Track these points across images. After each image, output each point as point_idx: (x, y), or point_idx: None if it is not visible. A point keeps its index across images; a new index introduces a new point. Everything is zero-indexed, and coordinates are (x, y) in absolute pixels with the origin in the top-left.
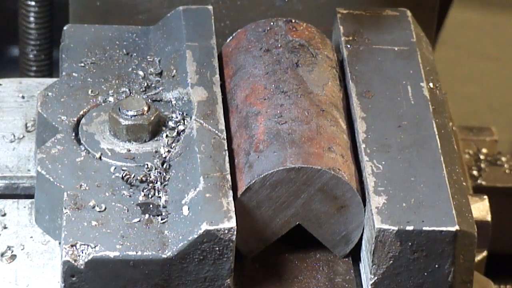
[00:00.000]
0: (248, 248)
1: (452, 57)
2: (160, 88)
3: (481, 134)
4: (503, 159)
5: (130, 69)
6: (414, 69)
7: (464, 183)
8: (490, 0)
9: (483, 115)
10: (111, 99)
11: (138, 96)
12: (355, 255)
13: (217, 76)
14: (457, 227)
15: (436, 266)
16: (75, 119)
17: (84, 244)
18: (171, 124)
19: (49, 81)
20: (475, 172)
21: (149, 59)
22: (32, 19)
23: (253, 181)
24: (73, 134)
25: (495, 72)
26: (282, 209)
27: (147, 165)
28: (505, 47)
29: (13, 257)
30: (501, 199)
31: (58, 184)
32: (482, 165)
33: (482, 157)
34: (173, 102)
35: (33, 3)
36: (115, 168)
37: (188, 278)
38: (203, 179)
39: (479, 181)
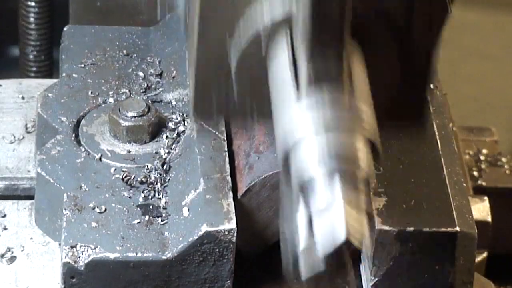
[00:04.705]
0: (248, 249)
1: (452, 57)
2: (160, 89)
3: (481, 135)
4: (504, 159)
5: (130, 70)
6: None
7: (464, 184)
8: (490, 0)
9: (483, 115)
10: (111, 100)
11: (138, 97)
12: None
13: None
14: (457, 228)
15: (437, 267)
16: (75, 120)
17: (84, 245)
18: (171, 125)
19: (49, 82)
20: (475, 173)
21: (149, 60)
22: (32, 19)
23: (253, 183)
24: (73, 135)
25: (495, 72)
26: None
27: (147, 166)
28: (505, 47)
29: (13, 258)
30: (502, 200)
31: (58, 185)
32: (483, 166)
33: (482, 157)
34: (173, 103)
35: (33, 3)
36: (115, 169)
37: (188, 280)
38: (203, 180)
39: (479, 182)
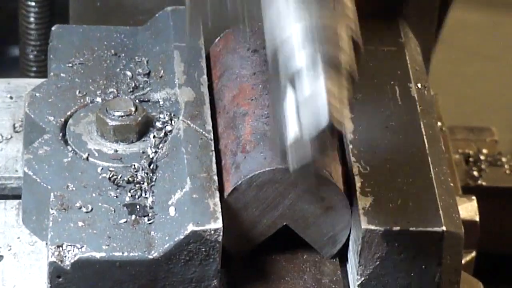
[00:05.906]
0: (235, 249)
1: (452, 57)
2: (148, 89)
3: (481, 134)
4: (504, 159)
5: (118, 69)
6: (402, 69)
7: (451, 184)
8: (490, 0)
9: (483, 115)
10: (98, 99)
11: (126, 97)
12: (342, 255)
13: (205, 76)
14: (443, 228)
15: (423, 266)
16: (63, 119)
17: (70, 245)
18: (158, 124)
19: (37, 81)
20: (475, 173)
21: (137, 60)
22: (32, 19)
23: (240, 182)
24: (61, 135)
25: (495, 72)
26: (269, 210)
27: (134, 165)
28: (505, 47)
29: (0, 257)
30: (502, 200)
31: (44, 185)
32: (483, 166)
33: (482, 157)
34: (161, 103)
35: (33, 3)
36: (102, 168)
37: (174, 279)
38: (189, 179)
39: (479, 182)
